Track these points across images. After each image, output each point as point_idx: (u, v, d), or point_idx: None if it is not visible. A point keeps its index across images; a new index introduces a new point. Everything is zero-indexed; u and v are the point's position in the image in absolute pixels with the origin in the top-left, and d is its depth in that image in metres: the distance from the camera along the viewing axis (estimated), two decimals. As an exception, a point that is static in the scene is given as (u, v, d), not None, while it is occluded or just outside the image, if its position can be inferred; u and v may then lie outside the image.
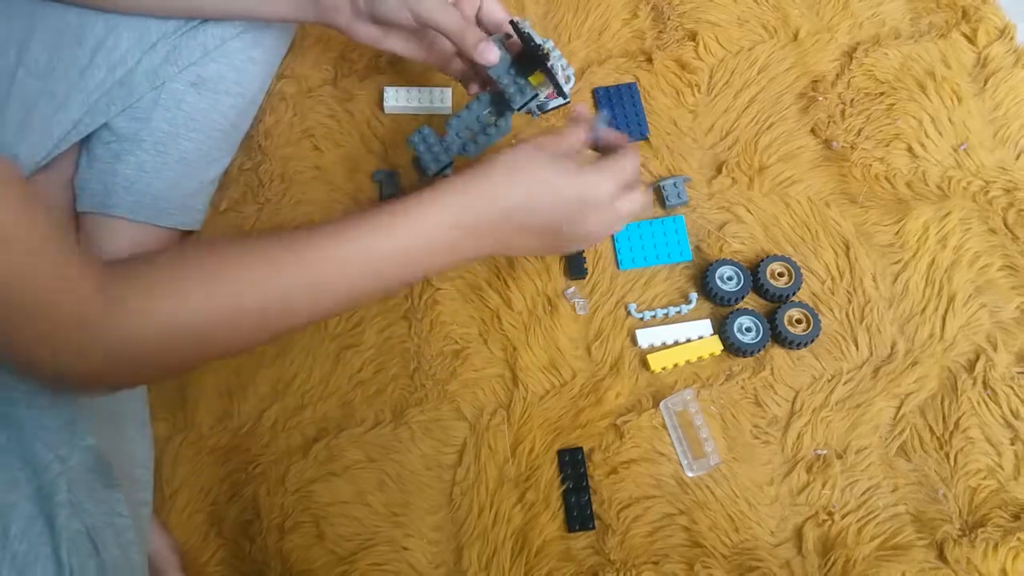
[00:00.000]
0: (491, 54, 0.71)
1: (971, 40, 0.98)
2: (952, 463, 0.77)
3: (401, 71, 0.97)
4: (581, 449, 0.78)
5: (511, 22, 0.72)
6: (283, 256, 0.58)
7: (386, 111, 0.94)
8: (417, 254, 0.61)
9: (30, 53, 0.73)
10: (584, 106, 0.73)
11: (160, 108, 0.79)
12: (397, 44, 0.78)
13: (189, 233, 0.87)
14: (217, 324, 0.55)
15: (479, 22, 0.76)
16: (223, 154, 0.86)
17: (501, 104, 0.75)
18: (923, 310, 0.83)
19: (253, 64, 0.84)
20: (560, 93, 0.72)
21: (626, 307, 0.84)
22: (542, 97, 0.73)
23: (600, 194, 0.65)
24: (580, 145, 0.68)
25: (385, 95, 0.94)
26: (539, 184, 0.63)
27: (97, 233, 0.79)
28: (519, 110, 0.73)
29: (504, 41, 0.74)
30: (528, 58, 0.72)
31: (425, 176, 0.76)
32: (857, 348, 0.82)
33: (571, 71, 0.73)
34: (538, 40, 0.70)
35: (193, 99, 0.80)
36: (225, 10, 0.77)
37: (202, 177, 0.84)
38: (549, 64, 0.70)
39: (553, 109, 0.94)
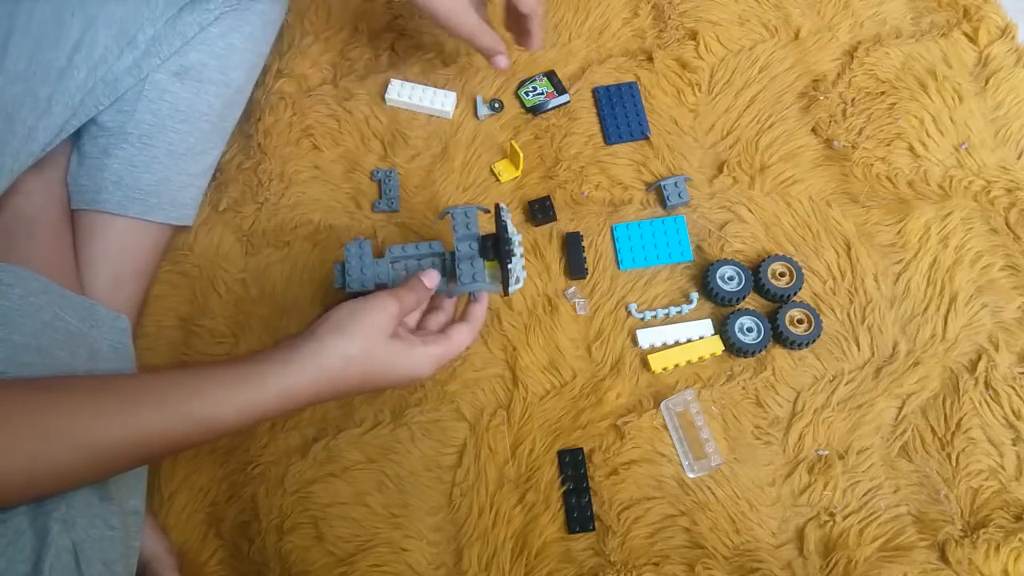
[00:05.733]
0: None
1: (972, 39, 0.98)
2: (954, 464, 0.76)
3: (401, 71, 0.97)
4: (581, 450, 0.77)
5: (496, 206, 0.73)
6: (143, 405, 0.57)
7: (387, 103, 0.94)
8: (255, 416, 0.61)
9: (8, 58, 0.72)
10: (435, 274, 0.70)
11: (144, 100, 0.78)
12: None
13: (182, 229, 0.86)
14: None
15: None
16: (211, 147, 0.86)
17: (445, 267, 0.74)
18: (925, 310, 0.83)
19: (234, 51, 0.83)
20: (504, 291, 0.72)
21: (627, 307, 0.84)
22: (491, 288, 0.72)
23: (418, 376, 0.67)
24: (416, 307, 0.69)
25: (390, 86, 0.94)
26: (367, 375, 0.64)
27: (91, 230, 0.79)
28: (456, 291, 0.72)
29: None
30: (493, 245, 0.72)
31: (338, 286, 0.73)
32: (859, 348, 0.82)
33: (523, 274, 0.73)
34: (511, 233, 0.70)
35: (177, 89, 0.80)
36: None
37: (191, 170, 0.84)
38: (509, 264, 0.71)
39: (553, 108, 0.95)
